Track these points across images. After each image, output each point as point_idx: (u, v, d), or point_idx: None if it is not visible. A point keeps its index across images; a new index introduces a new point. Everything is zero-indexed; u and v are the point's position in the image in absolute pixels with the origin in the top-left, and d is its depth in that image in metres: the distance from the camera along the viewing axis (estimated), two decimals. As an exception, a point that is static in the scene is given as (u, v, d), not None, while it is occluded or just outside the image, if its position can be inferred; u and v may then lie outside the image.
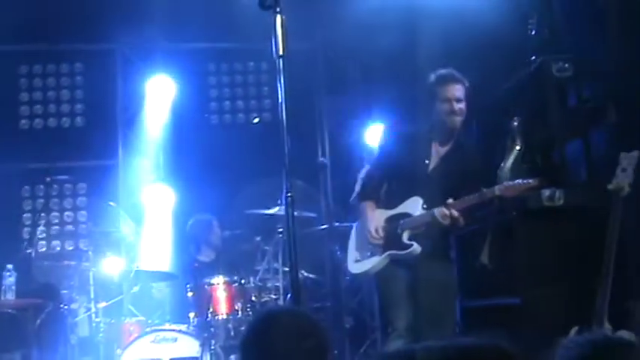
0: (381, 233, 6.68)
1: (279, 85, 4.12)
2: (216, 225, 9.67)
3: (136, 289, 9.10)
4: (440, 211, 6.38)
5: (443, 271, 6.68)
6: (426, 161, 6.75)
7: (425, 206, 6.56)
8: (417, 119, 7.06)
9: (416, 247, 6.54)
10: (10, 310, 8.75)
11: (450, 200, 6.37)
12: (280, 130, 4.11)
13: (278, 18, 4.23)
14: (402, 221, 6.63)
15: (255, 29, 10.71)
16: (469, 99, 6.74)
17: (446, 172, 6.67)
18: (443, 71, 6.81)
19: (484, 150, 7.38)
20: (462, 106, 6.68)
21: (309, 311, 3.50)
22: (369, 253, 6.78)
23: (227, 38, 11.64)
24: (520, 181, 6.34)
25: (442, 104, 6.70)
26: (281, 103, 4.14)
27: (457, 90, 6.68)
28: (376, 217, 6.77)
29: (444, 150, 6.79)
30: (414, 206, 6.62)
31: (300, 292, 4.05)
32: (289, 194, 4.15)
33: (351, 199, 7.42)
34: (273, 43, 4.15)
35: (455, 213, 6.33)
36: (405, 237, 6.59)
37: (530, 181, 6.33)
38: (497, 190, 6.29)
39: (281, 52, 4.14)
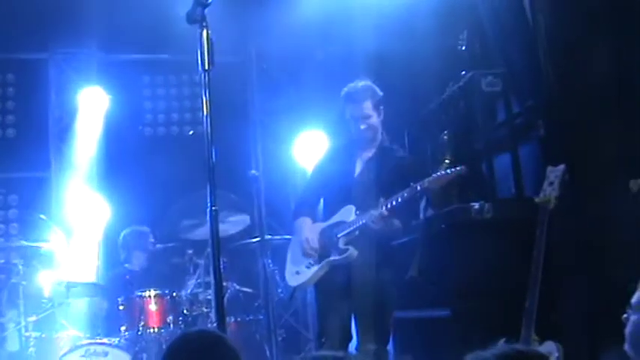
0: (316, 244, 6.72)
1: (204, 98, 4.12)
2: (150, 236, 9.63)
3: (67, 302, 8.99)
4: (370, 214, 6.42)
5: (378, 276, 6.68)
6: (353, 169, 6.82)
7: (358, 212, 6.60)
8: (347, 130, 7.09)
9: (352, 251, 6.58)
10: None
11: (381, 199, 6.41)
12: (206, 143, 4.11)
13: (204, 32, 4.23)
14: (336, 229, 6.67)
15: (189, 41, 10.81)
16: (380, 109, 6.80)
17: (371, 175, 6.75)
18: (352, 87, 6.87)
19: (413, 157, 7.43)
20: (371, 121, 6.77)
21: (225, 332, 3.54)
22: (307, 264, 6.81)
23: (162, 50, 11.58)
24: (447, 170, 6.38)
25: (352, 121, 6.80)
26: (206, 115, 4.15)
27: (364, 108, 6.77)
28: (311, 230, 6.83)
29: (367, 156, 6.86)
30: (348, 214, 6.68)
31: (223, 306, 4.00)
32: (214, 207, 4.15)
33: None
34: (199, 57, 4.16)
35: (385, 212, 6.37)
36: (341, 243, 6.63)
37: (457, 168, 6.36)
38: (426, 182, 6.31)
39: (207, 66, 4.14)
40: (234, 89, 10.66)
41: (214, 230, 4.10)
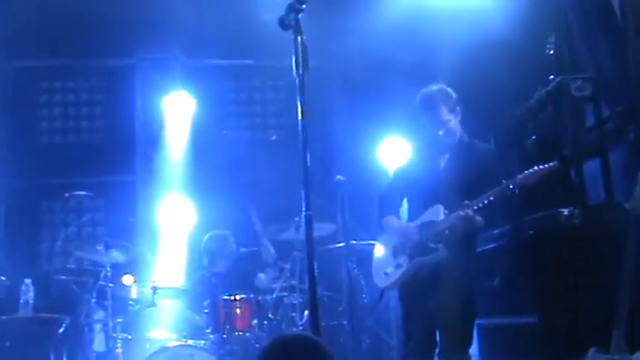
0: (411, 236, 6.65)
1: (298, 102, 4.14)
2: (231, 240, 9.66)
3: (153, 304, 9.09)
4: (458, 214, 6.36)
5: (464, 278, 6.60)
6: (437, 169, 6.76)
7: (446, 212, 6.53)
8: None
9: (443, 250, 6.50)
10: (28, 325, 8.77)
11: (466, 201, 6.35)
12: (301, 147, 4.12)
13: (298, 37, 4.25)
14: (425, 228, 6.61)
15: (274, 47, 10.86)
16: (457, 110, 6.73)
17: (455, 172, 6.62)
18: (425, 93, 6.77)
19: (494, 149, 7.33)
20: (449, 125, 6.70)
21: (320, 336, 3.50)
22: (396, 265, 6.76)
23: (246, 55, 11.68)
24: (538, 166, 6.26)
25: (429, 127, 6.74)
26: (301, 120, 4.15)
27: (441, 114, 6.68)
28: (403, 226, 6.78)
29: (449, 154, 6.80)
30: (437, 213, 6.59)
31: (317, 310, 4.01)
32: (309, 212, 4.15)
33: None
34: (294, 62, 4.18)
35: (470, 213, 6.31)
36: (430, 242, 6.57)
37: (550, 164, 6.24)
38: (518, 179, 6.19)
39: (301, 71, 4.16)
40: (318, 94, 10.68)
41: (309, 235, 4.09)
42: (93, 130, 11.93)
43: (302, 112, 4.15)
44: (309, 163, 4.13)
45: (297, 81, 4.16)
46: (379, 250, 7.03)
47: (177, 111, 11.31)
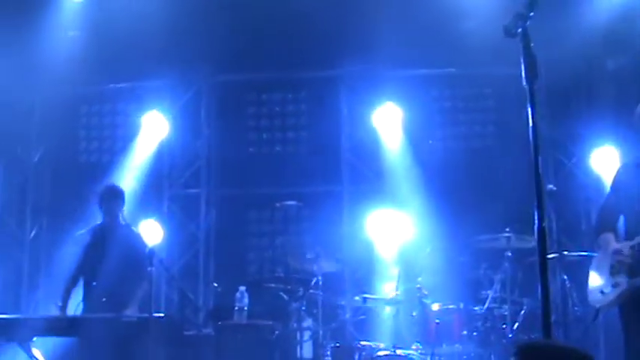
0: (628, 254, 6.37)
1: (529, 110, 4.06)
2: (435, 250, 9.58)
3: (361, 313, 9.18)
4: None
5: None
6: None
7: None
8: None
9: None
10: (243, 331, 9.02)
11: None
12: (533, 154, 4.03)
13: (526, 45, 4.17)
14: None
15: (477, 54, 10.79)
16: None
17: None
18: None
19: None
20: None
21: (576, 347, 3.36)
22: (613, 284, 6.49)
23: (450, 64, 11.62)
24: None
25: None
26: (532, 127, 4.07)
27: None
28: (620, 245, 6.51)
29: None
30: None
31: (550, 328, 3.89)
32: (542, 224, 4.04)
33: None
34: (523, 70, 4.10)
35: None
36: None
37: None
38: None
39: (531, 79, 4.08)
40: (514, 103, 10.48)
41: (542, 248, 3.98)
42: (299, 140, 12.18)
43: (533, 121, 4.06)
44: (540, 172, 4.02)
45: (527, 90, 4.07)
46: (595, 269, 6.77)
47: (386, 121, 11.36)
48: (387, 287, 9.36)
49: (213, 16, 11.09)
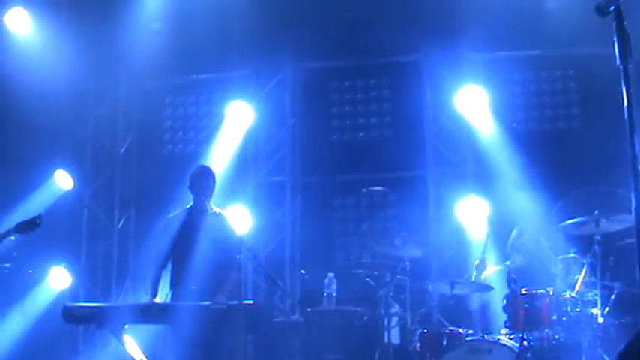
0: None
1: (624, 89, 4.00)
2: (528, 232, 9.47)
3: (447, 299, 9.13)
4: None
5: None
6: None
7: None
8: None
9: None
10: (332, 317, 9.07)
11: None
12: (628, 136, 3.96)
13: (619, 24, 4.11)
14: None
15: (560, 36, 10.63)
16: None
17: None
18: None
19: None
20: None
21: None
22: None
23: (533, 46, 11.49)
24: None
25: None
26: (626, 107, 4.00)
27: None
28: None
29: None
30: None
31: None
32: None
33: None
34: (616, 50, 4.04)
35: None
36: None
37: None
38: None
39: (625, 60, 4.02)
40: (599, 84, 10.30)
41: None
42: (382, 126, 12.17)
43: (628, 100, 3.99)
44: (636, 152, 3.95)
45: (620, 70, 4.01)
46: None
47: (469, 105, 11.28)
48: (475, 273, 9.30)
49: (296, 4, 11.13)
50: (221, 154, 11.73)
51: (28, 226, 7.54)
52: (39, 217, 7.60)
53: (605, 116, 9.62)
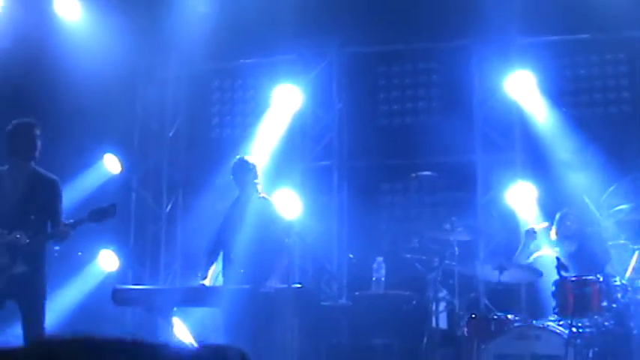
0: None
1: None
2: (572, 217, 9.40)
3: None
4: None
5: None
6: None
7: None
8: None
9: None
10: (380, 301, 9.08)
11: None
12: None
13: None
14: None
15: (611, 19, 10.52)
16: None
17: None
18: None
19: None
20: None
21: None
22: None
23: (583, 29, 11.37)
24: None
25: None
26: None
27: None
28: None
29: None
30: None
31: None
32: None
33: None
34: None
35: None
36: None
37: None
38: None
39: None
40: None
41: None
42: (430, 111, 12.12)
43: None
44: None
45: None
46: None
47: (518, 90, 11.19)
48: (524, 257, 9.25)
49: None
50: (268, 139, 11.76)
51: (102, 215, 7.43)
52: (114, 205, 7.51)
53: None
